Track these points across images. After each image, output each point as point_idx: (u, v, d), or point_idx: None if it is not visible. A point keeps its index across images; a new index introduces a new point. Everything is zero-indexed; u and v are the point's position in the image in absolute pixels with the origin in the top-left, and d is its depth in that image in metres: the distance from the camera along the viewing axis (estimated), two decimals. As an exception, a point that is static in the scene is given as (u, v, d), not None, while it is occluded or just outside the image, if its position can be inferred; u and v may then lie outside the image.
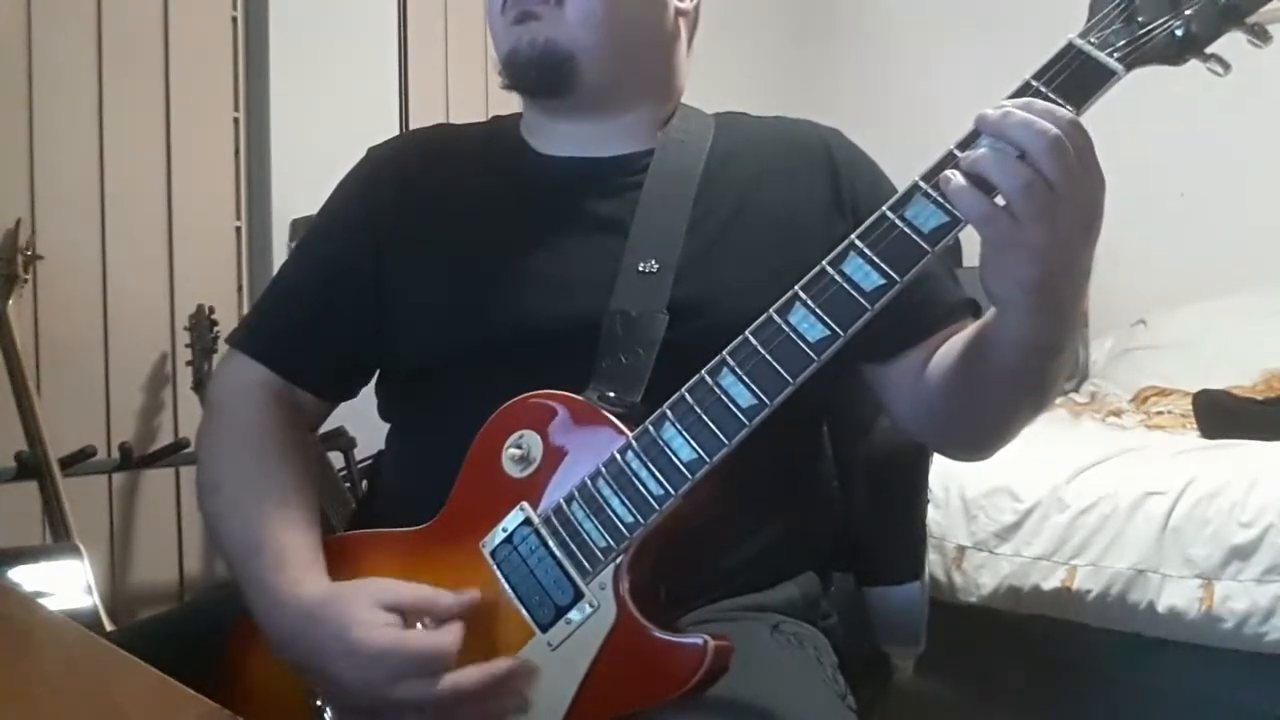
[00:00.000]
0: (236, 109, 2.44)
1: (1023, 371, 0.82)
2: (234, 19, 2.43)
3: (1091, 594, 1.78)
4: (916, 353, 0.95)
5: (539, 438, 0.84)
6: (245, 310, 2.43)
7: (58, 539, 1.82)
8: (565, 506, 0.81)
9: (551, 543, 0.81)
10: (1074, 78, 0.71)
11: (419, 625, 0.80)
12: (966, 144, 0.72)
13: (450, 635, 0.79)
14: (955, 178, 0.70)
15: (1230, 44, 0.71)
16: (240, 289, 2.45)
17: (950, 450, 1.01)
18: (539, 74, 0.98)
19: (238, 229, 2.45)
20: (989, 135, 0.70)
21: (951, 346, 0.91)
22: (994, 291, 0.75)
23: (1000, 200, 0.70)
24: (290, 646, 0.83)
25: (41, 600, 1.54)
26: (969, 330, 0.88)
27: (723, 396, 0.76)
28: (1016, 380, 0.84)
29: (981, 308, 0.96)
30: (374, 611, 0.79)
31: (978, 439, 0.95)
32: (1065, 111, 0.70)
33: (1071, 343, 0.81)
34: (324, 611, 0.81)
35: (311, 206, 1.13)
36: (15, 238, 2.05)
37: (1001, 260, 0.73)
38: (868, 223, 0.75)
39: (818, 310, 0.74)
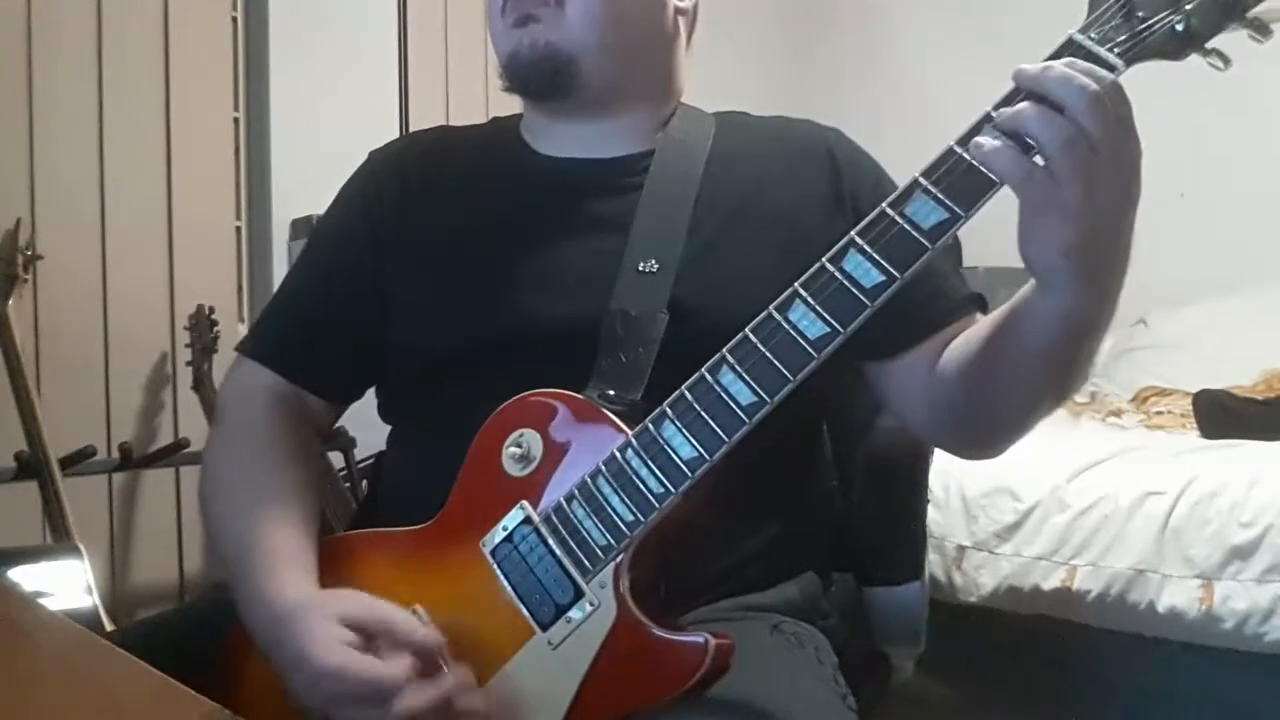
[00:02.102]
0: (236, 109, 2.44)
1: (1056, 352, 0.80)
2: (234, 19, 2.43)
3: (1091, 594, 1.78)
4: (923, 349, 0.94)
5: (539, 436, 0.84)
6: (245, 310, 2.43)
7: (58, 539, 1.82)
8: (565, 505, 0.81)
9: (552, 541, 0.81)
10: (1076, 72, 0.71)
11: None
12: (966, 140, 0.71)
13: (395, 668, 0.77)
14: (988, 140, 0.70)
15: (1231, 41, 0.71)
16: (240, 289, 2.45)
17: (960, 446, 0.99)
18: (540, 77, 0.98)
19: (238, 229, 2.45)
20: (1027, 89, 0.69)
21: (973, 334, 0.90)
22: (1033, 260, 0.74)
23: (1038, 160, 0.69)
24: (266, 648, 0.83)
25: (41, 600, 1.54)
26: (998, 313, 0.86)
27: (723, 394, 0.76)
28: (1048, 362, 0.81)
29: (988, 304, 0.96)
30: (333, 627, 0.79)
31: (993, 432, 0.93)
32: (1107, 73, 0.69)
33: (1109, 322, 0.79)
34: (292, 620, 0.81)
35: (311, 206, 1.13)
36: (15, 238, 2.05)
37: (1039, 224, 0.72)
38: (868, 219, 0.74)
39: (818, 307, 0.74)
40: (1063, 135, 0.68)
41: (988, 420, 0.92)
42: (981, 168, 0.71)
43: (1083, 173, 0.68)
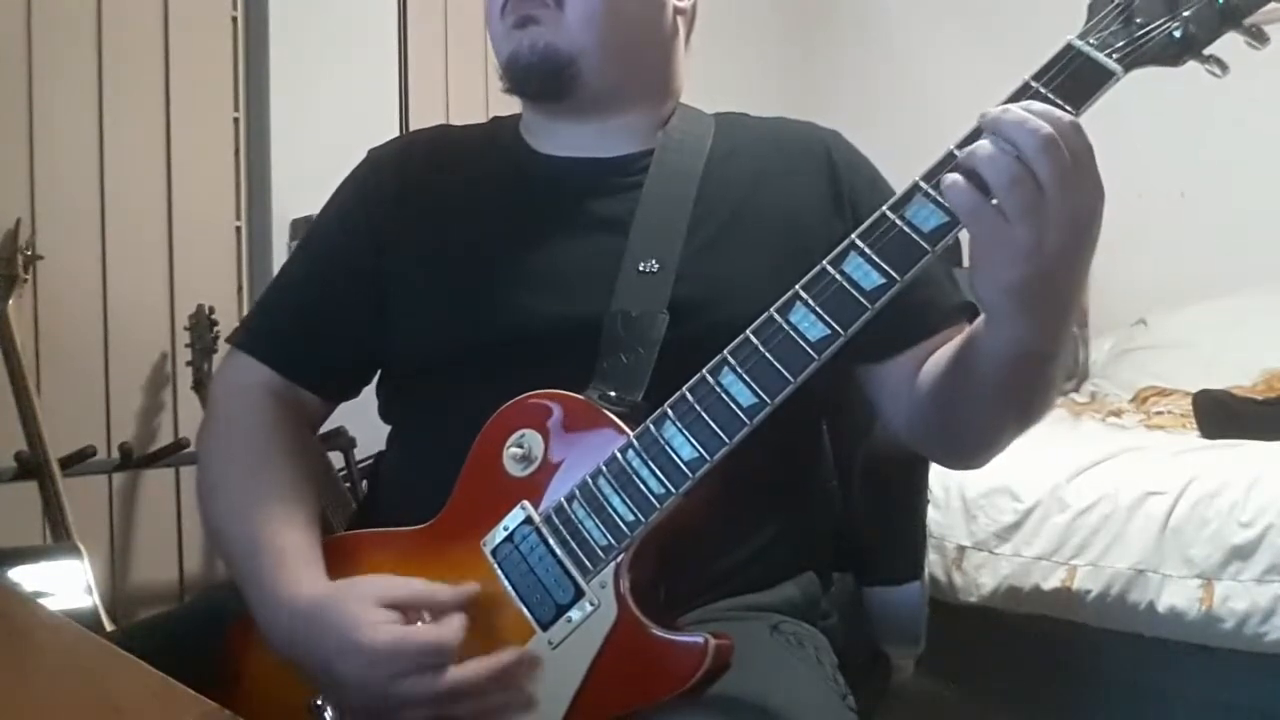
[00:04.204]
0: (236, 109, 2.44)
1: (1008, 381, 0.81)
2: (234, 19, 2.43)
3: (1091, 594, 1.78)
4: (911, 356, 0.95)
5: (540, 437, 0.84)
6: (245, 310, 2.43)
7: (58, 539, 1.82)
8: (566, 505, 0.81)
9: (552, 541, 0.81)
10: (1073, 78, 0.71)
11: (421, 620, 0.80)
12: (966, 143, 0.72)
13: (451, 628, 0.79)
14: (952, 174, 0.70)
15: (1229, 44, 0.71)
16: (240, 289, 2.45)
17: (940, 458, 1.01)
18: (540, 78, 0.98)
19: (238, 229, 2.45)
20: (987, 130, 0.70)
21: (941, 354, 0.91)
22: (980, 294, 0.75)
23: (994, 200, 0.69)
24: (290, 646, 0.83)
25: (41, 600, 1.55)
26: (959, 338, 0.87)
27: (724, 395, 0.76)
28: (1002, 390, 0.82)
29: (979, 311, 0.96)
30: (374, 610, 0.79)
31: (965, 449, 0.94)
32: (1065, 114, 0.70)
33: (1061, 355, 0.80)
34: (324, 612, 0.81)
35: (311, 206, 1.13)
36: (15, 238, 2.05)
37: (987, 260, 0.72)
38: (868, 222, 0.75)
39: (818, 309, 0.74)
40: (1008, 174, 0.68)
41: (958, 438, 0.93)
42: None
43: (1031, 214, 0.68)
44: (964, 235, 0.74)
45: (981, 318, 0.80)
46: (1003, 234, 0.69)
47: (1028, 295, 0.72)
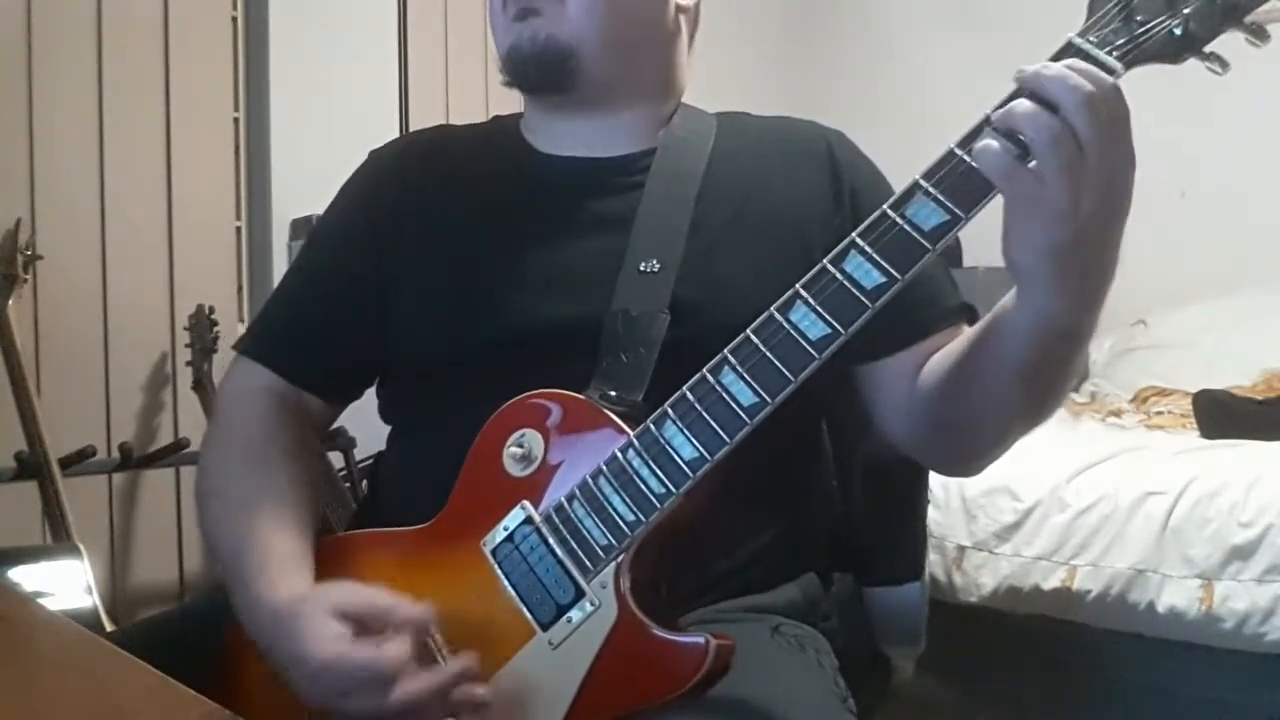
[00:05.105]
0: (236, 109, 2.45)
1: (1032, 361, 0.80)
2: (234, 19, 2.43)
3: (1091, 594, 1.78)
4: (908, 356, 0.94)
5: (540, 436, 0.84)
6: (245, 310, 2.43)
7: (58, 539, 1.82)
8: (566, 505, 0.81)
9: (552, 541, 0.81)
10: (1075, 76, 0.71)
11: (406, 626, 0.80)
12: (966, 142, 0.72)
13: (395, 649, 0.77)
14: (986, 139, 0.70)
15: (1230, 43, 0.71)
16: (240, 289, 2.45)
17: (936, 462, 1.00)
18: (540, 70, 0.98)
19: (238, 229, 2.46)
20: (1026, 88, 0.69)
21: (952, 349, 0.90)
22: (1014, 259, 0.74)
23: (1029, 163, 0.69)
24: (265, 649, 0.83)
25: (41, 600, 1.55)
26: (980, 323, 0.86)
27: (724, 395, 0.76)
28: (1023, 373, 0.81)
29: (978, 314, 0.96)
30: (326, 622, 0.79)
31: (966, 448, 0.93)
32: (1107, 77, 0.69)
33: (1086, 341, 0.80)
34: (285, 619, 0.81)
35: (311, 206, 1.13)
36: (15, 238, 2.05)
37: (1022, 224, 0.71)
38: (869, 221, 0.74)
39: (819, 308, 0.74)
40: (1050, 132, 0.68)
41: (962, 438, 0.92)
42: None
43: (1069, 174, 0.68)
44: (963, 235, 0.74)
45: (1008, 295, 0.79)
46: (1038, 194, 0.69)
47: (1061, 259, 0.72)
